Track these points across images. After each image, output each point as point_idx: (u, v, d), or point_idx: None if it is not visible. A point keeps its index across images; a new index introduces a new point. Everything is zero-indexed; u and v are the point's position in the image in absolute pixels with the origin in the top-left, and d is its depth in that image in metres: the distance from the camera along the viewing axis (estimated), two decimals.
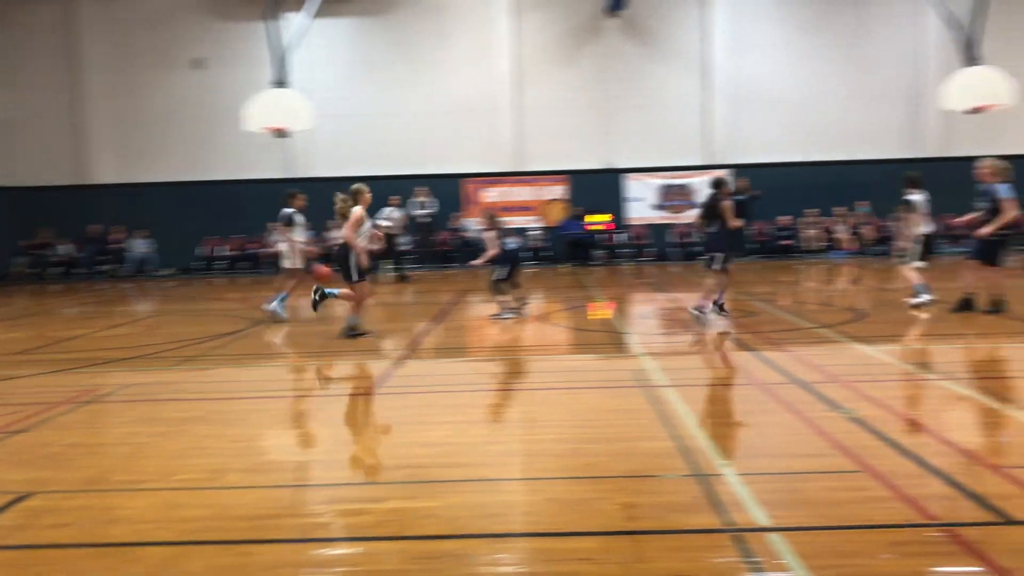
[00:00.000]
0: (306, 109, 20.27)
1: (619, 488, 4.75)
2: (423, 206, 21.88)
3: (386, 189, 22.39)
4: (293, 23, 21.68)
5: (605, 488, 4.77)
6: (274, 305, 12.71)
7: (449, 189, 22.93)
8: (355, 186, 10.64)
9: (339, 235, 10.50)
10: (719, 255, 11.17)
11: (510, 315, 11.93)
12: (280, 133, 20.30)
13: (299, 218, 12.97)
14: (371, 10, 23.18)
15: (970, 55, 19.28)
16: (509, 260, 12.06)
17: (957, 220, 12.33)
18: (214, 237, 23.43)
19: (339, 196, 10.90)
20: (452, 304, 14.44)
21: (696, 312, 11.13)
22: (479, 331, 11.36)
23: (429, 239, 22.41)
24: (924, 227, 11.77)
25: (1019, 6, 22.28)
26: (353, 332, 10.55)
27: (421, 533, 4.14)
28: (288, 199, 12.96)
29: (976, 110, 19.13)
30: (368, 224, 10.68)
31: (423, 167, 23.08)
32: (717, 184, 11.38)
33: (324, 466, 5.51)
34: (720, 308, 11.36)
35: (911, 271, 11.85)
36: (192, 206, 23.32)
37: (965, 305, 11.00)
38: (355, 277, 10.44)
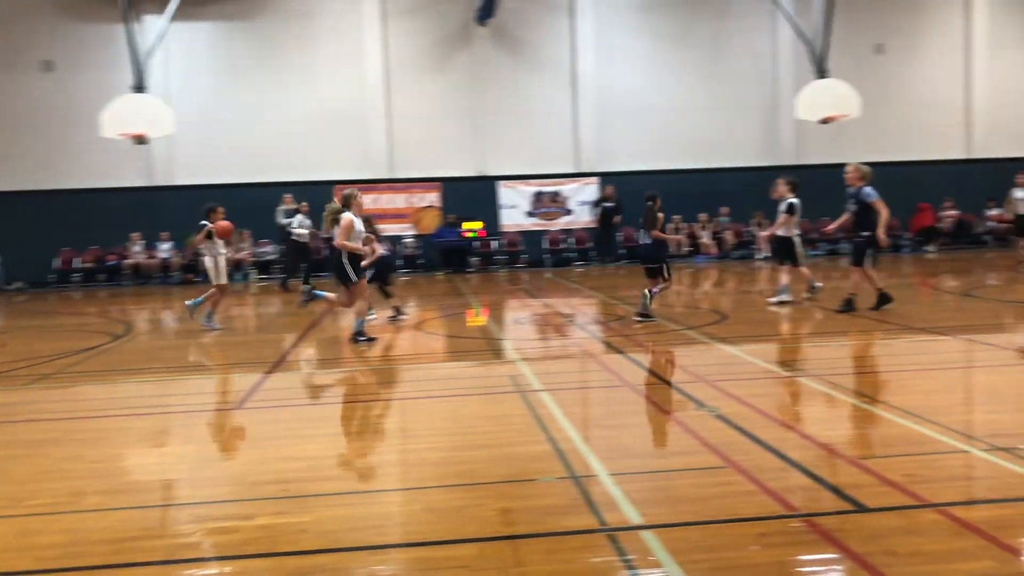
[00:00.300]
0: (167, 115, 19.52)
1: (496, 494, 4.76)
2: (288, 214, 21.33)
3: (254, 197, 21.90)
4: (152, 26, 20.86)
5: (482, 494, 4.77)
6: (204, 320, 12.33)
7: (321, 197, 22.45)
8: (347, 191, 10.60)
9: (333, 241, 10.50)
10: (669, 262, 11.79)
11: (373, 316, 11.64)
12: (139, 140, 19.45)
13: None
14: (234, 14, 22.55)
15: (819, 69, 20.36)
16: (383, 267, 11.89)
17: (829, 226, 12.99)
18: (69, 249, 22.22)
19: (329, 205, 10.65)
20: (325, 314, 14.16)
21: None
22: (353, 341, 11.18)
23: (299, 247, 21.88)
24: (797, 230, 12.36)
25: (860, 24, 23.68)
26: (361, 338, 10.44)
27: (293, 549, 4.03)
28: (208, 213, 12.70)
29: (826, 120, 20.19)
30: (360, 227, 10.47)
31: (293, 174, 22.56)
32: (652, 197, 11.98)
33: (190, 484, 5.29)
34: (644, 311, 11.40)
35: (803, 271, 12.66)
36: (46, 216, 22.04)
37: (848, 305, 11.47)
38: (353, 278, 10.31)
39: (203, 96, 22.42)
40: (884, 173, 20.37)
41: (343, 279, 10.35)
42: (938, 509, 4.19)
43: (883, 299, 11.47)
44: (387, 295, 12.44)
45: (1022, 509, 4.22)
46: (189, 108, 22.05)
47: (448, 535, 4.16)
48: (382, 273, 12.17)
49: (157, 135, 19.71)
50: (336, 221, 10.33)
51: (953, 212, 23.76)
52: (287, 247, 21.41)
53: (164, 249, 21.88)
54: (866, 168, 11.59)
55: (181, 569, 3.90)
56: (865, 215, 11.32)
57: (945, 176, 23.22)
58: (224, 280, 12.50)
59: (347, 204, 10.39)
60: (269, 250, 22.28)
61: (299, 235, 18.02)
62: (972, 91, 24.16)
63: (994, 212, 23.79)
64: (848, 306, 11.41)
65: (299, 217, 18.23)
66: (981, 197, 23.61)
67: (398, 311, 12.36)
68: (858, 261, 11.56)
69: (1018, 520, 4.07)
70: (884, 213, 11.21)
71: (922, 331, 10.03)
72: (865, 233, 11.36)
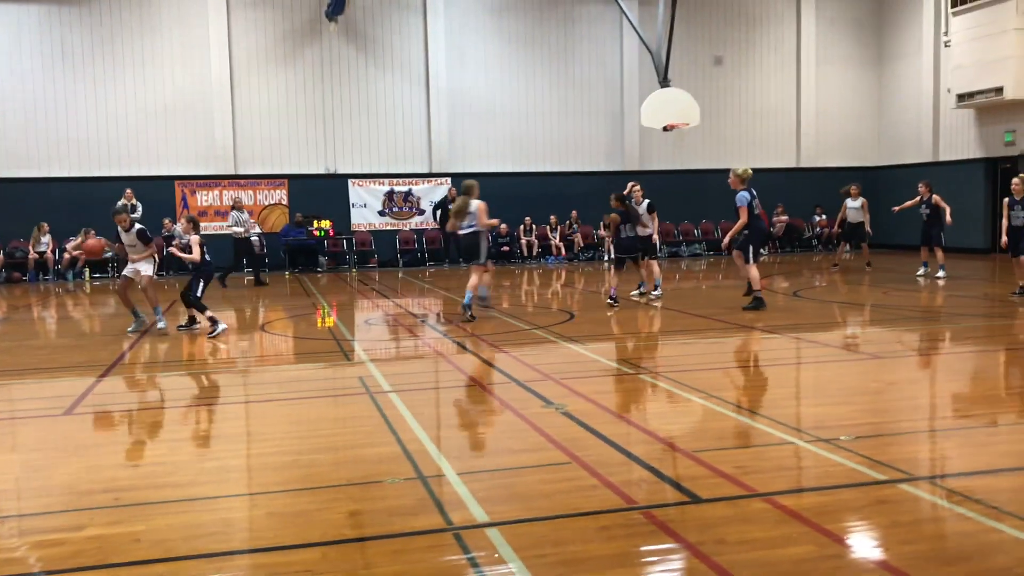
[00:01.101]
0: None
1: (343, 496, 4.69)
2: (130, 209, 20.35)
3: (88, 192, 20.73)
4: None
5: (328, 497, 4.70)
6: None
7: (161, 193, 21.54)
8: (469, 182, 12.11)
9: (469, 227, 11.78)
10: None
11: (223, 327, 11.07)
12: None
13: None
14: None
15: (662, 78, 21.13)
16: (211, 272, 11.64)
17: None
18: None
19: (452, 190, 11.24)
20: (165, 312, 13.56)
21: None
22: (191, 343, 10.77)
23: None
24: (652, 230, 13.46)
25: (700, 36, 24.78)
26: (484, 303, 11.99)
27: (125, 560, 3.84)
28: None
29: (668, 128, 20.98)
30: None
31: (133, 168, 21.53)
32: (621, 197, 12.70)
33: (12, 495, 4.95)
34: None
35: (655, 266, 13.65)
36: None
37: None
38: (483, 260, 11.75)
39: (29, 84, 21.00)
40: (721, 179, 21.40)
41: (476, 257, 11.73)
42: (765, 498, 4.44)
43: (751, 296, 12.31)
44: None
45: (841, 496, 4.52)
46: (13, 96, 20.67)
47: (291, 540, 4.07)
48: (207, 280, 11.65)
49: None
50: (464, 213, 11.74)
51: (784, 217, 25.19)
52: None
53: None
54: (743, 171, 12.17)
55: None
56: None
57: (777, 183, 24.56)
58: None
59: (469, 192, 11.89)
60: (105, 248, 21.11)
61: (237, 233, 17.72)
62: (801, 104, 25.69)
63: (820, 218, 25.42)
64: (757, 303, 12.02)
65: (234, 214, 17.84)
66: (809, 203, 25.16)
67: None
68: (749, 258, 12.13)
69: (837, 506, 4.36)
70: (744, 218, 11.96)
71: (755, 329, 10.58)
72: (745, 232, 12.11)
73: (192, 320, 11.57)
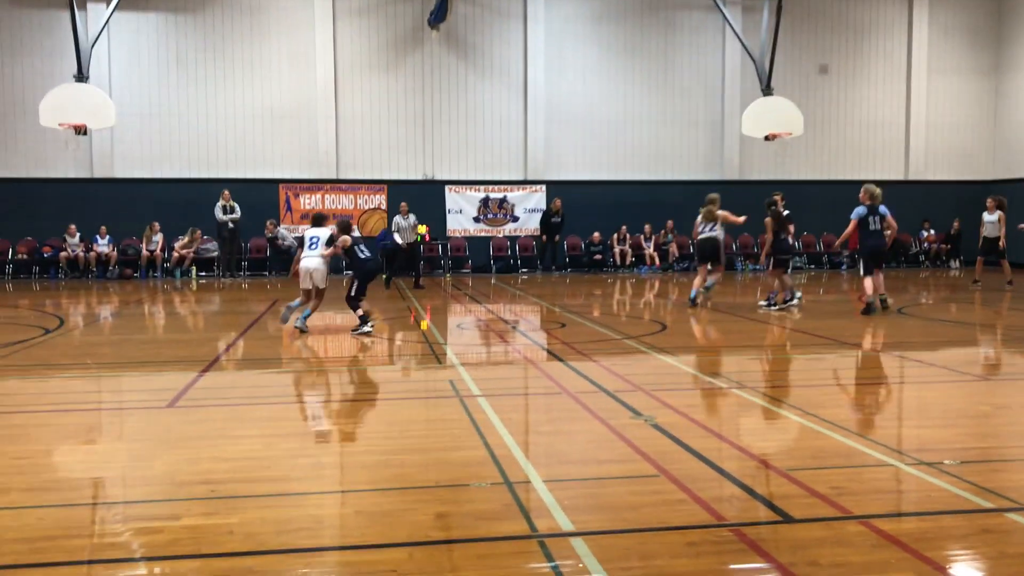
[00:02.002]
0: (108, 106, 19.11)
1: (430, 498, 4.73)
2: (227, 210, 21.07)
3: (195, 193, 21.56)
4: (97, 14, 20.43)
5: (415, 499, 4.74)
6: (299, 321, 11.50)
7: (264, 195, 22.23)
8: (712, 195, 14.29)
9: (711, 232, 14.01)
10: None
11: (369, 328, 11.21)
12: (79, 130, 18.99)
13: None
14: (181, 6, 22.15)
15: (765, 86, 20.72)
16: (366, 271, 11.45)
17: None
18: (2, 239, 21.59)
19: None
20: (264, 314, 13.98)
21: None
22: (291, 342, 11.04)
23: (235, 245, 21.57)
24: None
25: (805, 45, 24.18)
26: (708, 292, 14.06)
27: (219, 551, 3.95)
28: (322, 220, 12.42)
29: (770, 137, 20.56)
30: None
31: (237, 171, 22.29)
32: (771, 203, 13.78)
33: (116, 483, 5.17)
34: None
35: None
36: None
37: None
38: (721, 262, 14.36)
39: (146, 88, 21.99)
40: (824, 192, 20.88)
41: (716, 260, 14.06)
42: (862, 521, 4.27)
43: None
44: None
45: (942, 522, 4.32)
46: (131, 100, 21.64)
47: (378, 539, 4.12)
48: (365, 279, 11.52)
49: (98, 126, 19.30)
50: (713, 217, 13.91)
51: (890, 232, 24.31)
52: (223, 242, 21.18)
53: (101, 243, 21.36)
54: (873, 188, 13.39)
55: (102, 569, 3.80)
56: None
57: (884, 196, 23.69)
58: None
59: (714, 203, 14.05)
60: (210, 247, 21.92)
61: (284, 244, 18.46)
62: (911, 115, 24.81)
63: (929, 233, 24.47)
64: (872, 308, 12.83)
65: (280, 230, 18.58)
66: (917, 218, 24.24)
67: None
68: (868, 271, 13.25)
69: (938, 533, 4.17)
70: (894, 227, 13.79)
71: (855, 346, 10.24)
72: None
73: (364, 319, 11.36)
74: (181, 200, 21.71)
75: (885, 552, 3.90)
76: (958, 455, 5.45)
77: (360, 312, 11.28)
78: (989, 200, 17.31)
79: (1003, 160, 24.75)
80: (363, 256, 11.39)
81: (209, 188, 21.43)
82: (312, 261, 11.35)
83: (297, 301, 11.54)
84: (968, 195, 24.54)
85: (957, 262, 24.19)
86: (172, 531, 4.21)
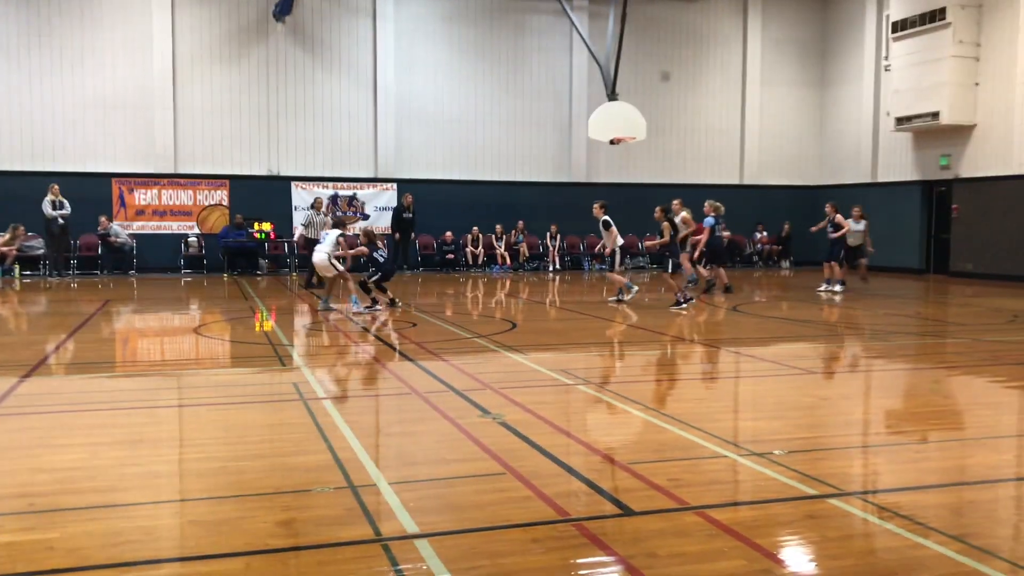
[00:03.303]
0: None
1: (270, 505, 4.57)
2: (56, 205, 19.76)
3: (20, 186, 20.14)
4: None
5: (255, 506, 4.57)
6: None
7: (96, 190, 21.00)
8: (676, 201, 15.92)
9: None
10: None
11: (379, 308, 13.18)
12: None
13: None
14: None
15: (611, 91, 21.26)
16: (387, 272, 13.50)
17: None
18: None
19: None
20: (94, 315, 13.20)
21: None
22: (124, 344, 10.48)
23: (63, 242, 20.22)
24: (620, 241, 14.55)
25: (649, 52, 24.99)
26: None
27: (38, 568, 3.67)
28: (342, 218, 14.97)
29: (615, 141, 21.11)
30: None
31: (66, 164, 20.94)
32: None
33: None
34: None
35: (616, 276, 14.90)
36: None
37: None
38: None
39: None
40: (665, 194, 21.62)
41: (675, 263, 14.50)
42: (698, 511, 4.43)
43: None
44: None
45: (772, 510, 4.54)
46: None
47: (214, 549, 3.94)
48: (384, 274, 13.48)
49: None
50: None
51: (726, 234, 25.46)
52: (51, 239, 19.89)
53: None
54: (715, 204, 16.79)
55: None
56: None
57: (720, 200, 24.83)
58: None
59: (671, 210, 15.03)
60: (36, 244, 20.50)
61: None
62: (746, 123, 26.08)
63: (762, 235, 25.80)
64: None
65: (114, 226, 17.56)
66: (750, 221, 25.50)
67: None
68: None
69: (768, 520, 4.37)
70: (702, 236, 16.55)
71: (693, 343, 10.65)
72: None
73: (393, 301, 13.63)
74: (2, 194, 20.22)
75: (719, 541, 4.05)
76: (786, 445, 5.74)
77: (372, 296, 13.35)
78: (856, 209, 17.58)
79: (829, 167, 26.39)
80: (382, 260, 13.43)
81: (34, 181, 20.06)
82: (318, 256, 13.26)
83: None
84: (798, 199, 26.02)
85: (788, 262, 25.61)
86: None
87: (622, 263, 15.03)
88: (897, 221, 22.93)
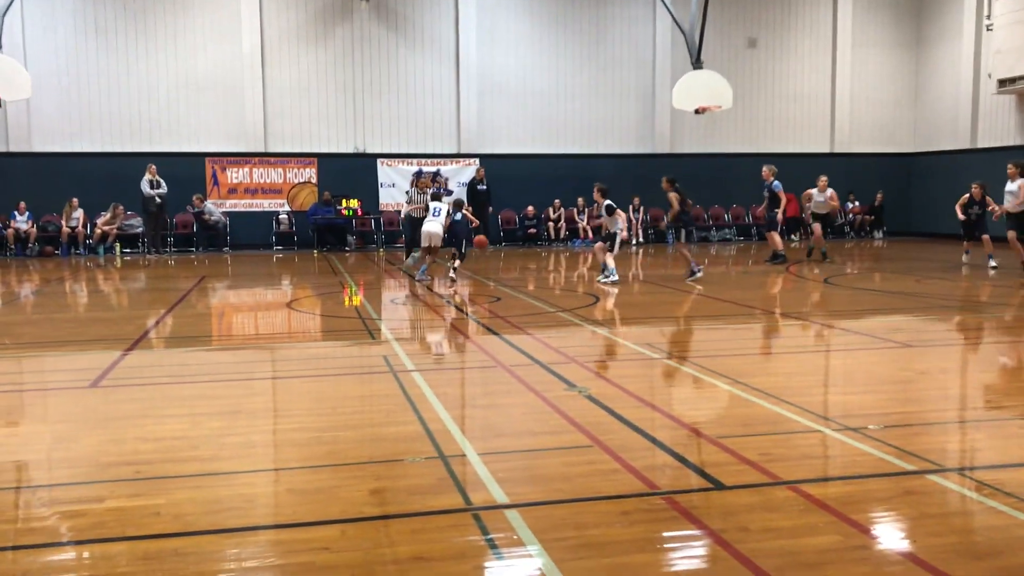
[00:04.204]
0: (23, 76, 18.34)
1: (363, 474, 4.68)
2: (153, 185, 20.43)
3: (118, 167, 20.91)
4: None
5: (348, 475, 4.69)
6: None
7: (190, 169, 21.66)
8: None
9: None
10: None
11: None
12: None
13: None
14: None
15: (695, 59, 20.86)
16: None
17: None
18: None
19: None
20: (190, 291, 13.67)
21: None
22: (220, 319, 10.83)
23: (160, 221, 20.94)
24: (621, 225, 14.10)
25: (734, 18, 24.40)
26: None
27: (144, 532, 3.84)
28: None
29: (700, 111, 20.74)
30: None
31: (161, 144, 21.65)
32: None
33: (36, 466, 5.00)
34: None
35: (599, 250, 14.26)
36: None
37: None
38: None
39: (63, 58, 21.16)
40: (753, 164, 21.16)
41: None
42: (790, 486, 4.36)
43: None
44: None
45: (868, 486, 4.44)
46: (48, 70, 20.82)
47: (310, 517, 4.06)
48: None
49: (12, 98, 18.51)
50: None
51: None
52: (149, 217, 20.55)
53: (20, 220, 20.58)
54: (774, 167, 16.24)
55: (25, 555, 3.67)
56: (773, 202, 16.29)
57: (810, 169, 24.20)
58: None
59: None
60: (135, 223, 21.30)
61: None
62: (836, 88, 25.27)
63: (854, 204, 25.05)
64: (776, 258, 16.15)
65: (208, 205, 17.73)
66: (842, 190, 24.75)
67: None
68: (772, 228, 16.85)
69: (863, 496, 4.27)
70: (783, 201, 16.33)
71: (784, 316, 10.44)
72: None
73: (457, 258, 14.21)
74: (103, 174, 21.02)
75: (812, 516, 3.98)
76: (881, 420, 5.60)
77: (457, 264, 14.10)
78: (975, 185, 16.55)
79: (924, 133, 25.42)
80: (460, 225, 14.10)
81: (131, 162, 20.80)
82: (434, 226, 13.92)
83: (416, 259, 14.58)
84: (891, 167, 25.17)
85: (880, 232, 24.84)
86: (96, 514, 4.09)
87: (623, 247, 15.24)
88: (997, 189, 21.94)
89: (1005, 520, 3.94)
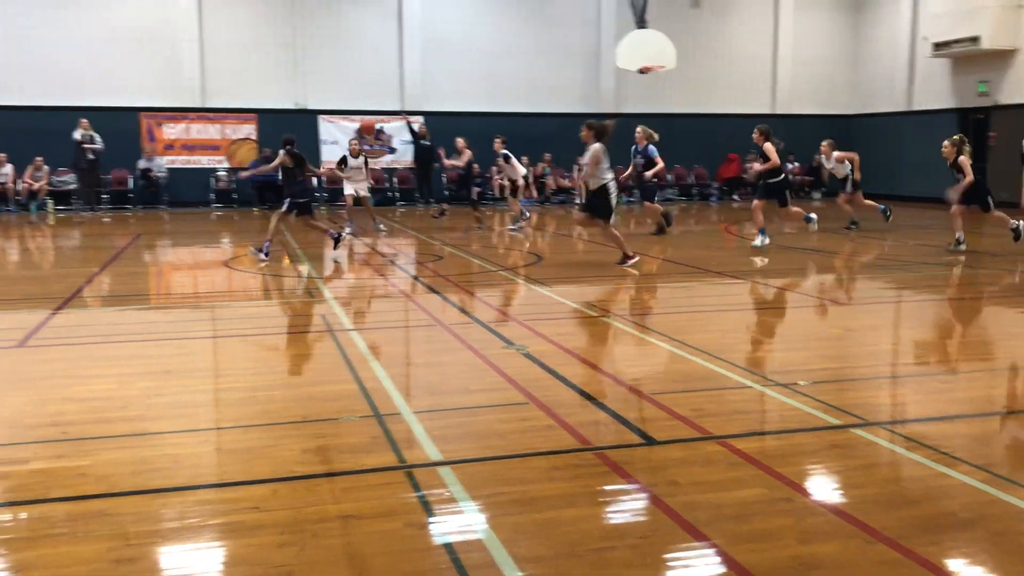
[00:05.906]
0: None
1: (296, 433, 4.64)
2: (86, 140, 19.77)
3: (46, 121, 20.21)
4: None
5: (281, 434, 4.65)
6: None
7: (123, 124, 21.02)
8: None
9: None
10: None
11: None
12: None
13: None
14: None
15: (639, 19, 20.80)
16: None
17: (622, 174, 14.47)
18: None
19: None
20: (125, 248, 13.35)
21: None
22: (155, 277, 10.61)
23: (94, 177, 20.32)
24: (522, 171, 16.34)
25: None
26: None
27: (68, 494, 3.76)
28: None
29: (644, 71, 20.73)
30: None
31: (93, 98, 20.92)
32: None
33: None
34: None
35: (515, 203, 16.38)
36: None
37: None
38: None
39: None
40: (695, 124, 21.28)
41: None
42: (720, 441, 4.43)
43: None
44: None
45: (794, 440, 4.53)
46: None
47: (239, 476, 4.01)
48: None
49: None
50: None
51: (757, 164, 25.10)
52: (81, 173, 19.92)
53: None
54: (650, 130, 14.73)
55: None
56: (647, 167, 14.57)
57: (751, 129, 24.46)
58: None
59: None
60: (68, 179, 20.65)
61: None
62: (779, 49, 25.43)
63: (794, 165, 25.36)
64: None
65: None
66: (782, 151, 25.03)
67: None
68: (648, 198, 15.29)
69: (790, 450, 4.37)
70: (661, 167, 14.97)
71: (720, 275, 10.57)
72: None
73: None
74: (32, 129, 20.28)
75: (740, 470, 4.06)
76: (811, 375, 5.72)
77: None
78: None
79: (862, 95, 25.76)
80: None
81: (62, 116, 20.08)
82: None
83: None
84: (830, 129, 25.49)
85: (819, 194, 25.22)
86: (19, 475, 4.00)
87: (534, 195, 16.52)
88: (932, 150, 22.38)
89: (924, 471, 4.06)
